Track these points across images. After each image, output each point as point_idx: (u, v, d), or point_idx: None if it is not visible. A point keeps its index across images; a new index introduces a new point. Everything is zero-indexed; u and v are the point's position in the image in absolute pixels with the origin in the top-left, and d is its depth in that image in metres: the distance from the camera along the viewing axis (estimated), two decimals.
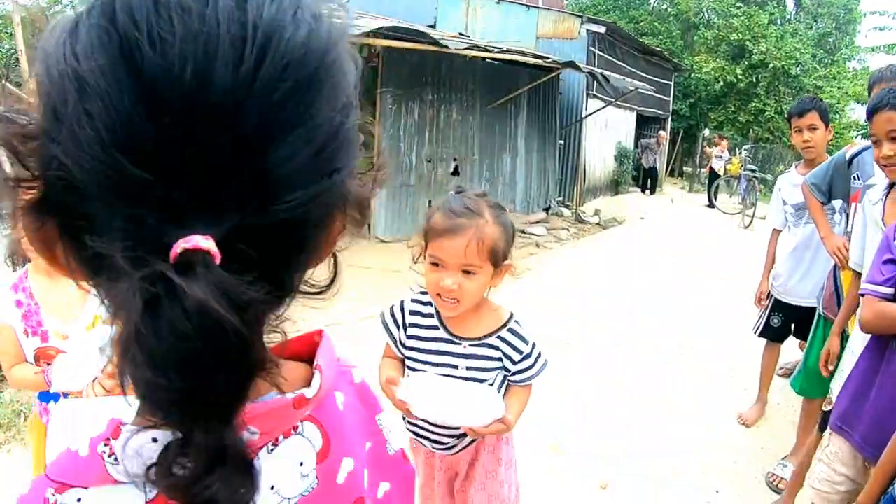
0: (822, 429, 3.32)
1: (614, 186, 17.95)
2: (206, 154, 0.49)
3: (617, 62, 16.23)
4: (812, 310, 3.99)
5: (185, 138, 0.48)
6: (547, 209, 13.85)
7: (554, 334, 6.26)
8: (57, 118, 0.50)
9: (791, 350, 5.33)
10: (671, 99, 22.36)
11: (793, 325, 4.55)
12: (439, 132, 10.97)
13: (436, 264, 1.96)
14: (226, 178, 0.50)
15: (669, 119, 22.58)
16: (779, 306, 4.53)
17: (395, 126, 10.20)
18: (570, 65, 10.73)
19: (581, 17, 14.71)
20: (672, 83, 22.15)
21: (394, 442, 0.90)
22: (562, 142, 14.49)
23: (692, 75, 25.40)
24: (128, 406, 0.59)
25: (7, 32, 15.44)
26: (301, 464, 0.71)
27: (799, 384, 4.00)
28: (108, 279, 0.51)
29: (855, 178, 3.71)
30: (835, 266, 3.71)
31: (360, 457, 0.81)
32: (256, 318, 0.56)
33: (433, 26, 12.98)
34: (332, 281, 0.70)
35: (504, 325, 2.13)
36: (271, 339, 0.64)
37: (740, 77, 25.15)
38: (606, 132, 17.11)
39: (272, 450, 0.68)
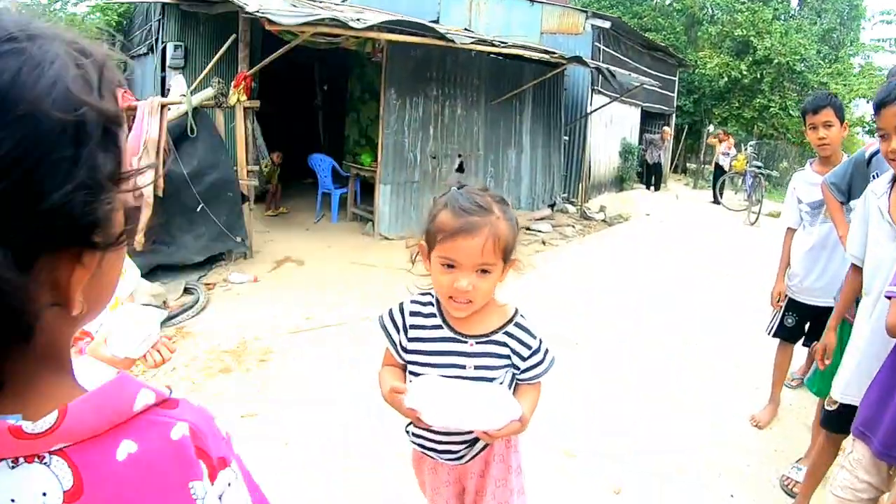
0: (825, 427, 3.34)
1: (619, 183, 17.89)
2: None
3: (622, 58, 16.16)
4: (828, 310, 3.91)
5: None
6: (552, 206, 13.77)
7: (562, 333, 6.20)
8: None
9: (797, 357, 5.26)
10: (675, 95, 22.25)
11: (807, 325, 4.49)
12: (444, 128, 10.91)
13: (449, 265, 1.86)
14: None
15: (674, 115, 22.47)
16: (793, 306, 4.48)
17: (399, 122, 10.15)
18: (577, 59, 10.66)
19: (586, 11, 14.64)
20: (676, 79, 22.06)
21: None
22: (566, 138, 14.42)
23: (696, 71, 25.28)
24: None
25: None
26: (45, 494, 0.67)
27: (816, 385, 3.95)
28: None
29: (874, 177, 3.64)
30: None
31: None
32: None
33: (436, 22, 12.87)
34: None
35: (510, 320, 2.05)
36: None
37: (745, 73, 25.02)
38: (611, 128, 17.05)
39: (13, 467, 0.67)
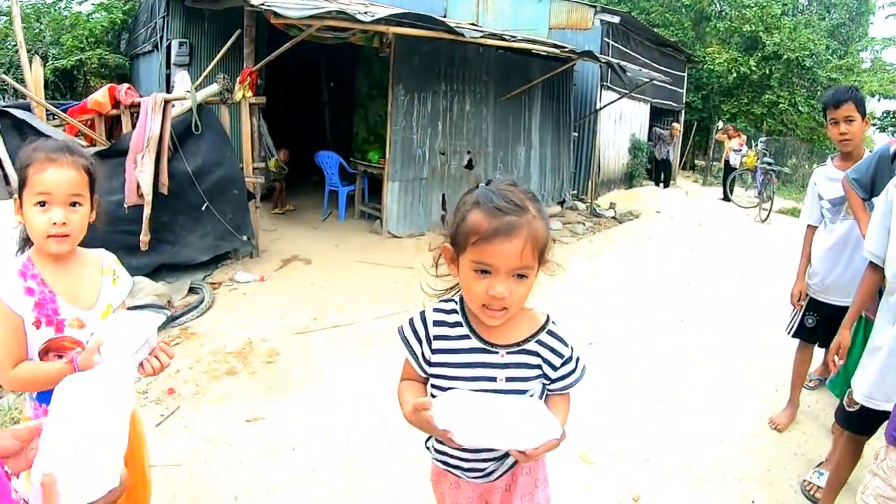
0: (846, 427, 3.23)
1: (628, 180, 17.74)
2: None
3: (631, 53, 15.99)
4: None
5: None
6: (561, 203, 13.64)
7: (573, 332, 6.07)
8: None
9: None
10: (684, 91, 22.08)
11: (828, 326, 4.35)
12: (452, 124, 10.76)
13: (483, 271, 1.69)
14: None
15: (683, 112, 22.30)
16: (814, 306, 4.34)
17: (407, 118, 10.00)
18: (588, 54, 10.50)
19: (594, 6, 14.46)
20: (685, 75, 21.86)
21: None
22: (576, 134, 14.29)
23: (704, 67, 25.09)
24: None
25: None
26: None
27: (839, 387, 3.84)
28: None
29: None
30: None
31: None
32: None
33: (443, 17, 12.76)
34: None
35: (542, 328, 1.91)
36: None
37: (753, 69, 24.82)
38: (621, 124, 16.89)
39: None
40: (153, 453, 2.96)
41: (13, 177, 5.74)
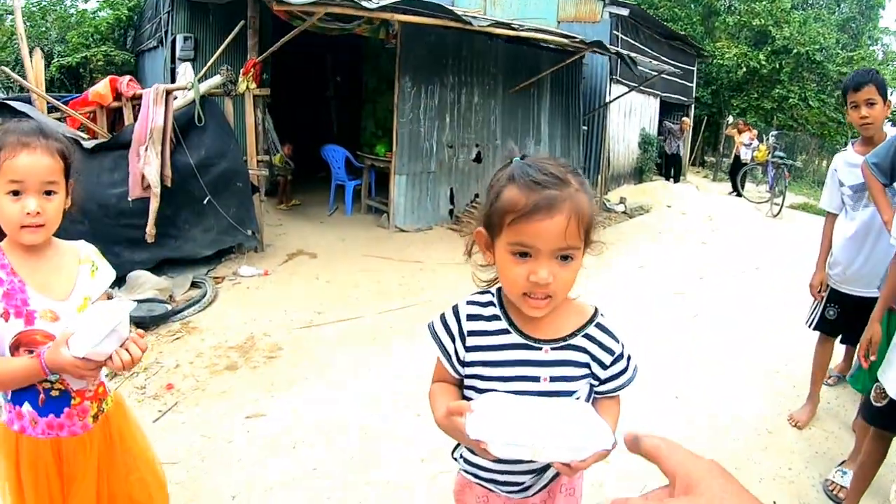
0: (872, 423, 3.10)
1: (638, 174, 17.57)
2: None
3: (640, 46, 15.84)
4: (872, 301, 3.64)
5: None
6: None
7: None
8: None
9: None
10: (694, 85, 21.90)
11: (849, 318, 4.18)
12: (460, 117, 10.63)
13: (523, 254, 1.49)
14: None
15: (693, 106, 22.11)
16: (835, 297, 4.16)
17: (414, 110, 9.87)
18: (598, 44, 10.33)
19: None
20: (695, 69, 21.67)
21: None
22: (585, 128, 14.13)
23: (714, 61, 24.91)
24: None
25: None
26: None
27: (861, 383, 3.70)
28: None
29: None
30: None
31: None
32: None
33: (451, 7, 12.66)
34: None
35: (591, 321, 1.69)
36: None
37: (763, 63, 24.66)
38: (630, 118, 16.73)
39: None
40: None
41: None
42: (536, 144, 12.37)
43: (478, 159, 11.03)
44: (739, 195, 17.22)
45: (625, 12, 14.40)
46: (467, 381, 1.71)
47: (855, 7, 31.00)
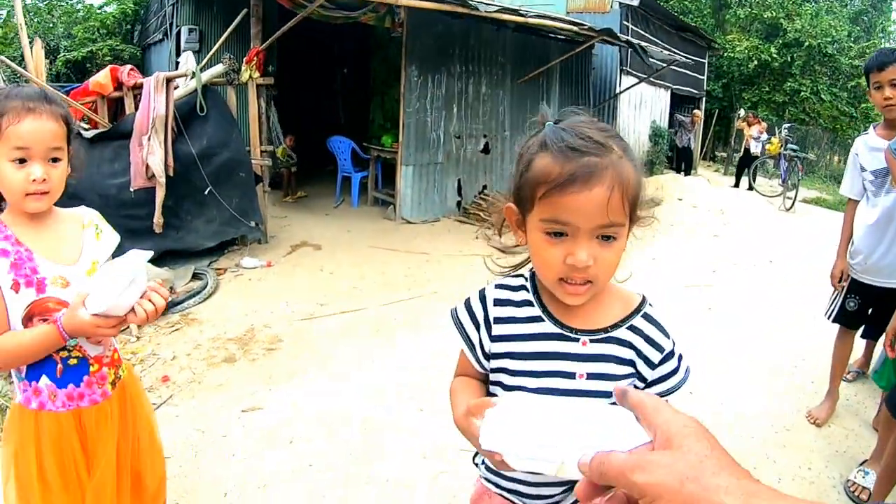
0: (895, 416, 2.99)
1: (649, 167, 17.38)
2: None
3: (650, 38, 15.66)
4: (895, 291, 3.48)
5: None
6: None
7: None
8: None
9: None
10: (705, 78, 21.69)
11: (871, 310, 4.00)
12: (468, 107, 10.49)
13: (558, 233, 1.27)
14: None
15: (704, 99, 21.90)
16: (856, 287, 3.95)
17: (421, 100, 9.74)
18: (608, 32, 10.17)
19: None
20: (706, 61, 21.47)
21: None
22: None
23: (725, 55, 24.70)
24: None
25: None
26: None
27: (885, 378, 3.52)
28: None
29: None
30: None
31: None
32: None
33: None
34: None
35: (637, 310, 1.47)
36: None
37: (774, 56, 24.44)
38: (641, 110, 16.57)
39: None
40: None
41: None
42: None
43: (486, 150, 10.90)
44: (750, 188, 16.97)
45: (635, 2, 14.29)
46: (493, 376, 1.50)
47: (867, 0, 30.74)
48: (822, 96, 24.67)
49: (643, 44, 11.92)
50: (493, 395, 1.47)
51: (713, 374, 4.85)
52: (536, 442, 1.06)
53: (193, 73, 7.19)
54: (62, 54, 16.93)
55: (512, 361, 1.44)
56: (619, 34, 11.48)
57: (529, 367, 1.42)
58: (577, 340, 1.41)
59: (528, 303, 1.46)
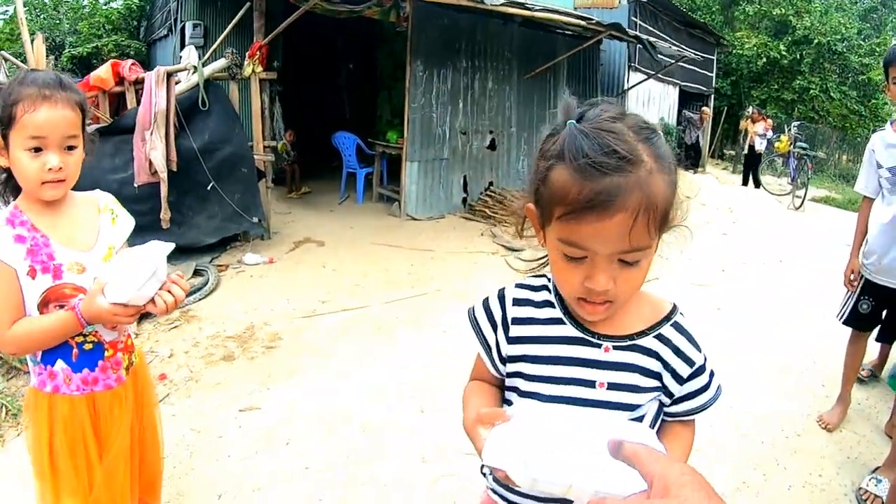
0: None
1: None
2: None
3: (659, 34, 15.58)
4: None
5: None
6: None
7: None
8: None
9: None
10: (714, 75, 21.55)
11: (885, 312, 3.89)
12: (474, 102, 10.39)
13: (576, 257, 1.16)
14: None
15: (712, 96, 21.76)
16: (869, 288, 3.83)
17: (426, 95, 9.64)
18: (616, 27, 10.04)
19: None
20: (715, 58, 21.32)
21: None
22: None
23: (734, 51, 24.54)
24: None
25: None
26: None
27: None
28: None
29: None
30: None
31: None
32: None
33: None
34: None
35: (667, 318, 1.35)
36: None
37: (783, 54, 24.30)
38: (649, 107, 16.45)
39: None
40: None
41: None
42: None
43: (492, 146, 10.80)
44: (757, 186, 16.81)
45: None
46: (508, 382, 1.41)
47: None
48: (832, 94, 24.52)
49: (652, 39, 11.80)
50: (509, 402, 1.39)
51: (722, 376, 4.71)
52: (539, 465, 0.98)
53: (195, 68, 7.12)
54: (67, 50, 16.94)
55: (529, 365, 1.35)
56: (627, 29, 11.39)
57: (547, 373, 1.32)
58: (599, 346, 1.31)
59: (549, 304, 1.37)
